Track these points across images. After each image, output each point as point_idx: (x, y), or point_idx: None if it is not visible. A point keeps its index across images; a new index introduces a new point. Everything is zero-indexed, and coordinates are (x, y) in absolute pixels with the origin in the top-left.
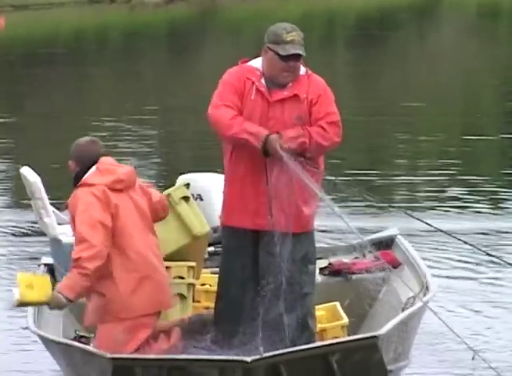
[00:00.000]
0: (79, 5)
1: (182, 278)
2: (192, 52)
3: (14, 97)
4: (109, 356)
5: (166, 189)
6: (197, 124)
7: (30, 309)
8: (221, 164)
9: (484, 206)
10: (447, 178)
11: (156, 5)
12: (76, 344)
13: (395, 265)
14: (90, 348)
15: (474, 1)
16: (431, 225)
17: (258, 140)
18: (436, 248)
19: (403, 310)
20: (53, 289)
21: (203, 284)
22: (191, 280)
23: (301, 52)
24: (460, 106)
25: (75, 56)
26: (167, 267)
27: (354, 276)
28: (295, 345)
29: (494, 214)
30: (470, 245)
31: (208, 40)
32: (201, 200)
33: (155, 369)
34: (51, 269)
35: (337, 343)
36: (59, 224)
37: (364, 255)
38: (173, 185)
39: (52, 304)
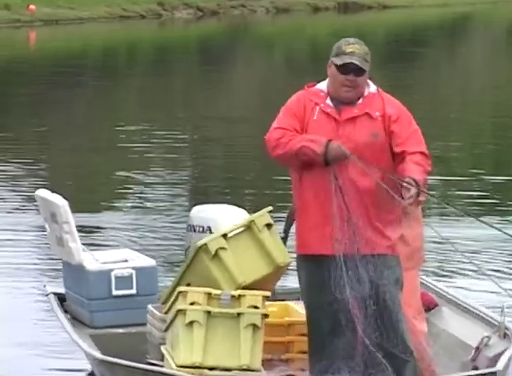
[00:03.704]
0: (109, 21)
1: (257, 308)
2: (222, 67)
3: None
4: None
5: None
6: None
7: None
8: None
9: None
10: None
11: (187, 21)
12: None
13: (431, 306)
14: None
15: (507, 17)
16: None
17: (320, 146)
18: None
19: (477, 349)
20: None
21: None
22: (265, 311)
23: (357, 62)
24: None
25: (105, 72)
26: (240, 295)
27: None
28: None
29: None
30: None
31: (239, 55)
32: (210, 232)
33: None
34: (61, 298)
35: None
36: None
37: None
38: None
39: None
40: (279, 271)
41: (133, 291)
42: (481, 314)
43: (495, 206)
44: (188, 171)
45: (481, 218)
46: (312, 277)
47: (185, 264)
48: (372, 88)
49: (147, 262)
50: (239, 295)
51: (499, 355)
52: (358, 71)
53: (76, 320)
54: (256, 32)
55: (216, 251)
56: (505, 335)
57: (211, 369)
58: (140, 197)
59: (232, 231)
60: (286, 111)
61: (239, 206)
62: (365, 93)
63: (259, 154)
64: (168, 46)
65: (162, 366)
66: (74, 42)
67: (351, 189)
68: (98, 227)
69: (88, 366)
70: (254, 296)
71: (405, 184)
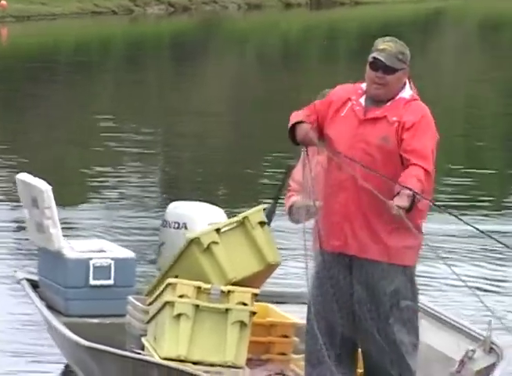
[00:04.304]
0: (81, 16)
1: (245, 305)
2: (195, 62)
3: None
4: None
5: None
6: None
7: None
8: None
9: None
10: None
11: (159, 17)
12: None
13: None
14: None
15: (478, 13)
16: None
17: (291, 122)
18: None
19: (462, 362)
20: None
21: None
22: (253, 309)
23: (382, 59)
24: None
25: (77, 68)
26: (229, 291)
27: None
28: None
29: None
30: None
31: (211, 51)
32: (186, 228)
33: None
34: (34, 285)
35: None
36: None
37: None
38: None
39: None
40: (270, 269)
41: (110, 282)
42: (462, 327)
43: (470, 201)
44: (161, 165)
45: (452, 213)
46: (319, 270)
47: (175, 256)
48: (406, 93)
49: (126, 253)
50: (229, 291)
51: (486, 369)
52: (386, 68)
53: (49, 308)
54: (228, 28)
55: (208, 244)
56: (490, 350)
57: (196, 363)
58: (114, 191)
59: (225, 226)
60: (324, 98)
61: (212, 201)
62: (397, 97)
63: (233, 148)
64: (140, 42)
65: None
66: (47, 38)
67: (351, 186)
68: (72, 220)
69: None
70: (243, 293)
71: (400, 189)
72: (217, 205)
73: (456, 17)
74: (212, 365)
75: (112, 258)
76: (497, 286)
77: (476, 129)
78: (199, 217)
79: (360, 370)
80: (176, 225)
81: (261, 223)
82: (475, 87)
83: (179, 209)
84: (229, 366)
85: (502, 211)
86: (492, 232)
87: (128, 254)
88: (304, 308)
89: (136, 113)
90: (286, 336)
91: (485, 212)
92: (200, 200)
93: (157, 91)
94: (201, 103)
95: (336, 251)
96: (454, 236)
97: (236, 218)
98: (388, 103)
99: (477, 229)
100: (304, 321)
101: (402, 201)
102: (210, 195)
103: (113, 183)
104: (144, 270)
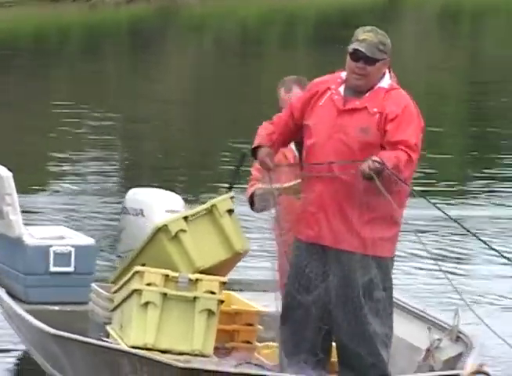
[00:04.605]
0: (39, 3)
1: (213, 293)
2: (154, 49)
3: None
4: (181, 365)
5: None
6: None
7: None
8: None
9: None
10: None
11: (117, 4)
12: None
13: None
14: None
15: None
16: None
17: (254, 143)
18: None
19: (428, 351)
20: None
21: None
22: (222, 297)
23: (363, 50)
24: None
25: (36, 55)
26: (197, 280)
27: None
28: None
29: None
30: None
31: (170, 38)
32: (142, 215)
33: None
34: None
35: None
36: None
37: None
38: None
39: None
40: (237, 257)
41: (71, 269)
42: (429, 317)
43: (431, 186)
44: (121, 152)
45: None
46: (296, 258)
47: (141, 244)
48: (384, 82)
49: (87, 240)
50: (197, 279)
51: (454, 358)
52: (367, 59)
53: (9, 295)
54: (186, 14)
55: (176, 232)
56: (458, 338)
57: (163, 352)
58: (75, 177)
59: (193, 214)
60: (300, 96)
61: (173, 187)
62: (376, 87)
63: (192, 135)
64: (99, 29)
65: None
66: (5, 25)
67: (327, 177)
68: (32, 207)
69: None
70: (211, 281)
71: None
72: (177, 192)
73: (414, 5)
74: (180, 354)
75: (72, 246)
76: (463, 270)
77: (436, 115)
78: (156, 204)
79: (334, 360)
80: (134, 212)
81: (229, 211)
82: (435, 74)
83: (138, 195)
84: (197, 355)
85: (463, 197)
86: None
87: (89, 241)
88: (263, 295)
89: (95, 100)
90: (250, 324)
91: (446, 198)
92: (160, 187)
93: (116, 78)
94: (161, 90)
95: (310, 241)
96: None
97: (204, 206)
98: (367, 94)
99: (448, 215)
100: (267, 309)
101: (371, 164)
102: (170, 181)
103: (73, 169)
104: (105, 256)
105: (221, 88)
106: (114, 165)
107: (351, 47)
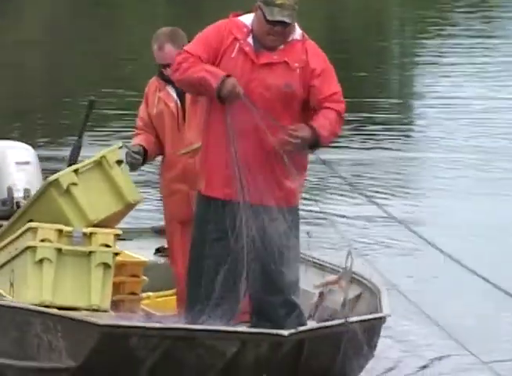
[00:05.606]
0: None
1: (109, 246)
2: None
3: None
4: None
5: None
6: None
7: None
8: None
9: None
10: None
11: None
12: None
13: None
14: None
15: None
16: None
17: (217, 79)
18: None
19: (322, 294)
20: None
21: None
22: (117, 250)
23: (286, 20)
24: None
25: None
26: (92, 233)
27: None
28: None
29: None
30: None
31: None
32: None
33: (155, 339)
34: None
35: (361, 321)
36: None
37: None
38: None
39: None
40: (129, 208)
41: None
42: (325, 264)
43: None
44: None
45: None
46: (207, 215)
47: (30, 200)
48: (297, 34)
49: None
50: (91, 233)
51: (352, 300)
52: (287, 25)
53: None
54: None
55: (67, 186)
56: (352, 280)
57: (61, 308)
58: None
59: (83, 166)
60: (201, 39)
61: (28, 135)
62: (290, 38)
63: (50, 80)
64: None
65: None
66: None
67: (252, 134)
68: None
69: None
70: (106, 234)
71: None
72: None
73: None
74: (78, 309)
75: None
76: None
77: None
78: (8, 154)
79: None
80: None
81: (119, 162)
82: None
83: None
84: (95, 310)
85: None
86: None
87: None
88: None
89: None
90: (136, 275)
91: None
92: (12, 137)
93: None
94: (17, 33)
95: (228, 199)
96: None
97: (93, 158)
98: (282, 46)
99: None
100: (148, 259)
101: (302, 132)
102: (24, 127)
103: None
104: None
105: (78, 35)
106: None
107: (273, 17)
